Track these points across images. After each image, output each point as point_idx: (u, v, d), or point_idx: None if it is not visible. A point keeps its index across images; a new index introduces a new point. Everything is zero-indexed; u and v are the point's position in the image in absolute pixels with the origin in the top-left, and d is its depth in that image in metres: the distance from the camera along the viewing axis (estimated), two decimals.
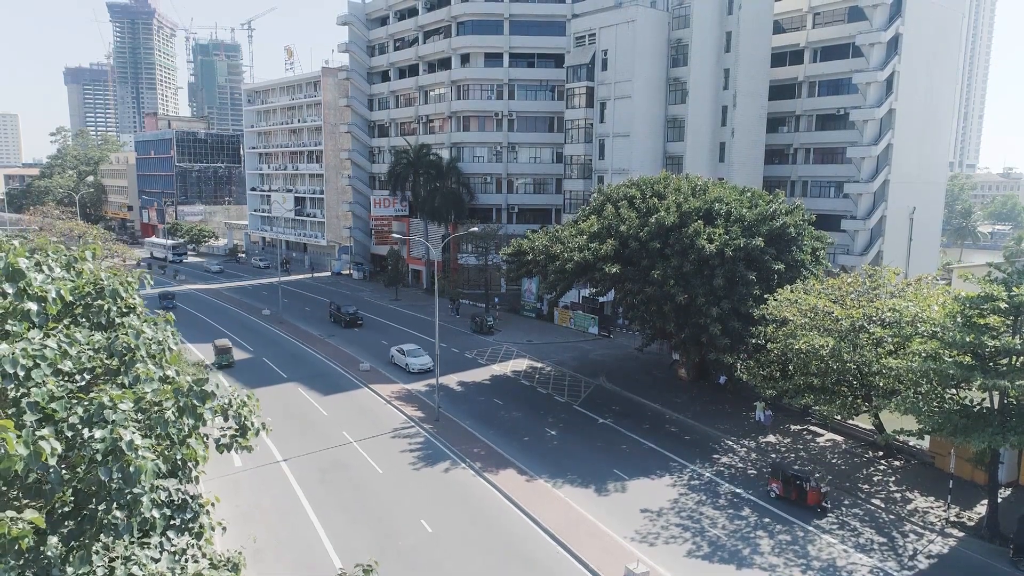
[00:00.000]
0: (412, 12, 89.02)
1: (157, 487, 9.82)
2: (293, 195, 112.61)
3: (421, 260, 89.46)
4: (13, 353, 7.78)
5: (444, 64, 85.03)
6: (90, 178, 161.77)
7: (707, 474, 35.00)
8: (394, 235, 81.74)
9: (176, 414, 8.69)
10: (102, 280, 10.38)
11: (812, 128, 72.47)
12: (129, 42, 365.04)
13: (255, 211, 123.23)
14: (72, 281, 11.19)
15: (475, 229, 65.31)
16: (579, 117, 70.71)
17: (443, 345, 53.12)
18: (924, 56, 65.52)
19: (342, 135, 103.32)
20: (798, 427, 40.87)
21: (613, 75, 67.18)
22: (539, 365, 54.39)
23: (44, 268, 10.88)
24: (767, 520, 30.11)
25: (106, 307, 10.15)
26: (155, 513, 9.33)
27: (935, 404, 28.09)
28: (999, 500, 29.69)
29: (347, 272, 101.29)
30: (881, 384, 33.00)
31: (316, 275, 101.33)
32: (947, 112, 73.14)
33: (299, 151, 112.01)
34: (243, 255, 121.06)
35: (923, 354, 27.54)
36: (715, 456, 37.20)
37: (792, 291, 36.78)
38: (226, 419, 11.30)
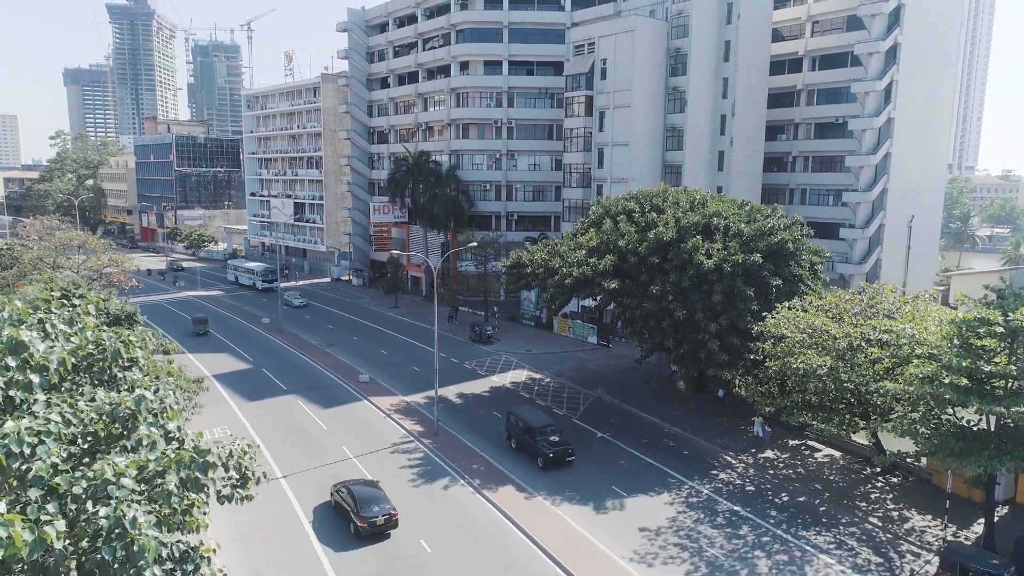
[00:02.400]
0: (411, 19, 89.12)
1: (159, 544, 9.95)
2: (293, 200, 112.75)
3: (420, 267, 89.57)
4: (18, 432, 7.90)
5: (443, 71, 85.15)
6: (89, 182, 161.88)
7: (705, 491, 35.13)
8: (395, 253, 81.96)
9: (179, 486, 8.81)
10: (103, 340, 10.48)
11: (811, 136, 72.59)
12: (128, 43, 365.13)
13: (255, 216, 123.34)
14: (75, 336, 11.34)
15: (474, 244, 65.51)
16: (578, 126, 70.82)
17: (442, 355, 53.29)
18: (923, 65, 65.65)
19: (341, 141, 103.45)
20: (796, 442, 41.01)
21: (612, 84, 67.28)
22: (538, 376, 54.52)
23: (47, 325, 11.02)
24: (765, 540, 30.24)
25: (108, 367, 10.26)
26: (156, 571, 9.46)
27: (932, 425, 28.22)
28: (996, 519, 29.85)
29: (346, 278, 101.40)
30: (879, 403, 33.13)
31: (315, 281, 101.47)
32: (946, 120, 73.29)
33: (299, 156, 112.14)
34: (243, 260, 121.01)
35: (920, 376, 27.66)
36: (713, 472, 37.33)
37: (790, 308, 36.92)
38: (227, 469, 11.42)
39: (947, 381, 26.75)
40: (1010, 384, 25.74)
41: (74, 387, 10.15)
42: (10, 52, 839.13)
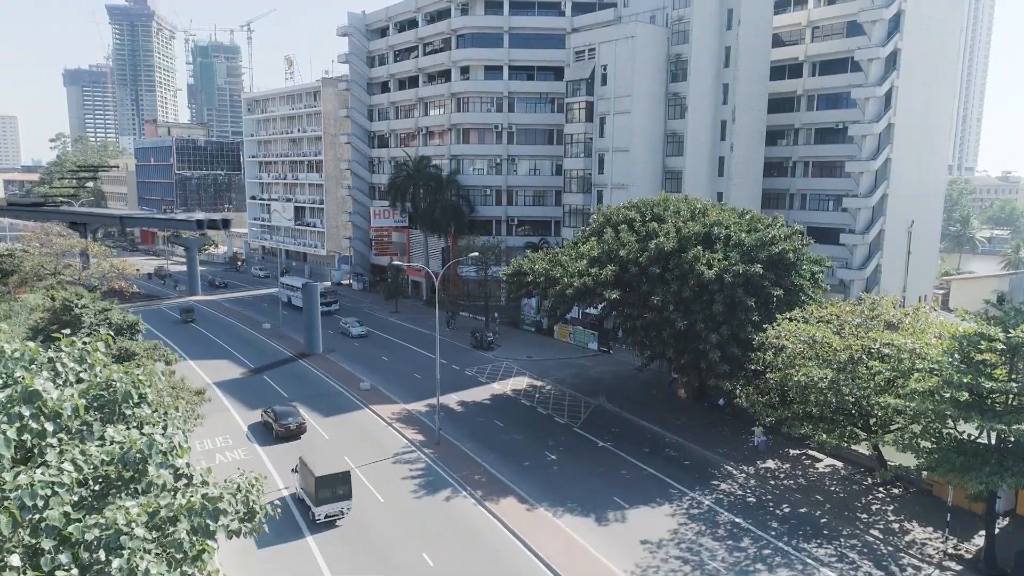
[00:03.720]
0: (412, 24, 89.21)
1: None
2: (293, 204, 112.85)
3: (421, 272, 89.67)
4: (32, 485, 7.98)
5: (444, 76, 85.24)
6: (89, 184, 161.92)
7: (706, 502, 35.22)
8: (395, 260, 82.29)
9: (190, 533, 8.89)
10: (114, 380, 10.57)
11: (811, 141, 72.70)
12: (128, 44, 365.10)
13: (255, 220, 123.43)
14: (85, 372, 11.42)
15: (475, 254, 65.69)
16: (578, 131, 70.94)
17: (443, 361, 53.25)
18: (923, 71, 65.73)
19: (342, 145, 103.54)
20: (797, 451, 41.11)
21: (612, 90, 67.39)
22: (539, 383, 54.61)
23: (57, 364, 11.11)
24: (767, 552, 30.33)
25: (118, 407, 10.35)
26: None
27: (933, 440, 28.32)
28: (996, 531, 29.94)
29: (347, 282, 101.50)
30: (879, 414, 33.23)
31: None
32: (946, 125, 73.42)
33: (299, 160, 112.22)
34: (243, 264, 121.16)
35: (921, 391, 27.76)
36: (714, 483, 37.42)
37: (791, 320, 37.01)
38: (232, 493, 11.50)
39: (948, 395, 26.84)
40: (1011, 400, 25.84)
41: (84, 426, 10.23)
42: (10, 53, 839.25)
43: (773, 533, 32.00)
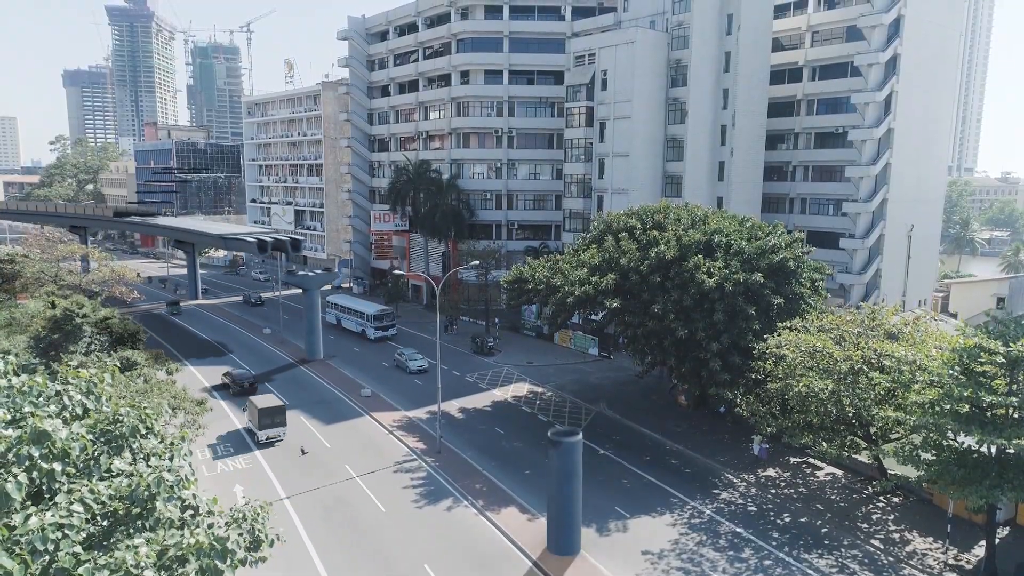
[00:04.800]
0: (412, 28, 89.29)
1: None
2: (293, 208, 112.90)
3: (421, 276, 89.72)
4: (43, 529, 8.05)
5: (444, 80, 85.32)
6: (89, 186, 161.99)
7: (707, 511, 35.30)
8: (395, 267, 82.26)
9: (199, 573, 8.97)
10: (121, 415, 10.64)
11: (811, 146, 72.79)
12: (128, 45, 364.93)
13: (255, 223, 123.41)
14: (92, 402, 11.50)
15: (476, 263, 65.81)
16: (579, 136, 71.00)
17: (444, 367, 53.34)
18: (922, 75, 65.82)
19: (342, 149, 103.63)
20: (797, 459, 41.18)
21: (612, 95, 67.46)
22: (539, 390, 54.68)
23: (64, 398, 11.19)
24: (768, 563, 30.41)
25: (125, 441, 10.43)
26: None
27: (933, 451, 28.39)
28: (996, 541, 30.02)
29: (347, 286, 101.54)
30: (880, 424, 33.32)
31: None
32: (945, 129, 73.51)
33: (299, 164, 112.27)
34: (243, 267, 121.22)
35: (921, 403, 27.85)
36: (715, 491, 37.50)
37: (792, 329, 37.09)
38: (240, 533, 11.58)
39: (948, 408, 26.91)
40: (1011, 413, 25.92)
41: (91, 459, 10.30)
42: (9, 53, 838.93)
43: (774, 543, 32.08)
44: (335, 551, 31.37)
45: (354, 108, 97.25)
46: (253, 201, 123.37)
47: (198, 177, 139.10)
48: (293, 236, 75.64)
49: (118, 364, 36.56)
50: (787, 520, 34.32)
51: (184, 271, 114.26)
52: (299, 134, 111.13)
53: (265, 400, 44.44)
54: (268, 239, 69.99)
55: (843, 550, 31.56)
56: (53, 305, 47.00)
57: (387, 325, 70.07)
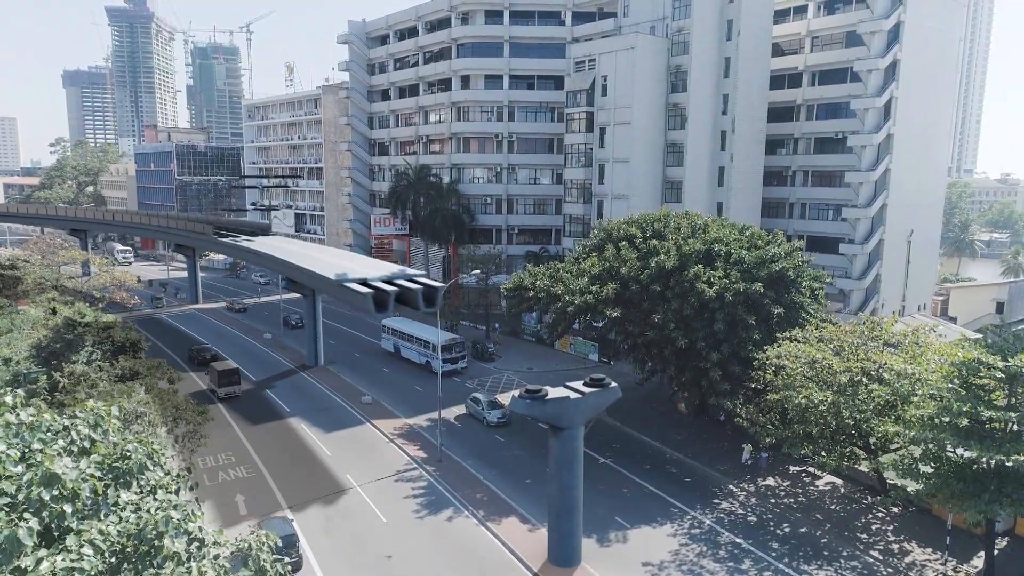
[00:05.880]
0: (412, 32, 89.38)
1: None
2: (293, 211, 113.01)
3: None
4: (54, 571, 8.17)
5: (444, 84, 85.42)
6: (89, 189, 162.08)
7: (707, 521, 35.43)
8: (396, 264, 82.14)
9: None
10: (129, 452, 10.76)
11: (811, 151, 72.93)
12: (128, 45, 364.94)
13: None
14: (99, 433, 11.62)
15: (476, 271, 65.91)
16: (579, 142, 71.08)
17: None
18: (922, 81, 65.97)
19: (342, 153, 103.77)
20: (797, 468, 41.31)
21: (612, 101, 67.55)
22: None
23: (72, 433, 11.31)
24: (767, 574, 30.53)
25: (133, 477, 10.55)
26: None
27: (932, 465, 28.53)
28: (995, 552, 30.15)
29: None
30: (880, 435, 33.44)
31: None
32: (945, 134, 73.71)
33: (299, 167, 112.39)
34: (243, 270, 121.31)
35: (920, 417, 27.98)
36: (715, 501, 37.63)
37: (791, 340, 37.21)
38: (245, 564, 11.69)
39: (947, 421, 27.05)
40: (1009, 427, 26.06)
41: (100, 495, 10.41)
42: (9, 54, 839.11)
43: (774, 554, 32.21)
44: (337, 563, 31.48)
45: (354, 112, 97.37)
46: (253, 204, 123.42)
47: (198, 179, 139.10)
48: (428, 283, 53.10)
49: (119, 373, 36.65)
50: (787, 530, 34.45)
51: (185, 274, 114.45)
52: (299, 137, 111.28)
53: (223, 365, 54.66)
54: (390, 289, 50.26)
55: (843, 561, 31.69)
56: (54, 312, 47.15)
57: (456, 357, 59.90)
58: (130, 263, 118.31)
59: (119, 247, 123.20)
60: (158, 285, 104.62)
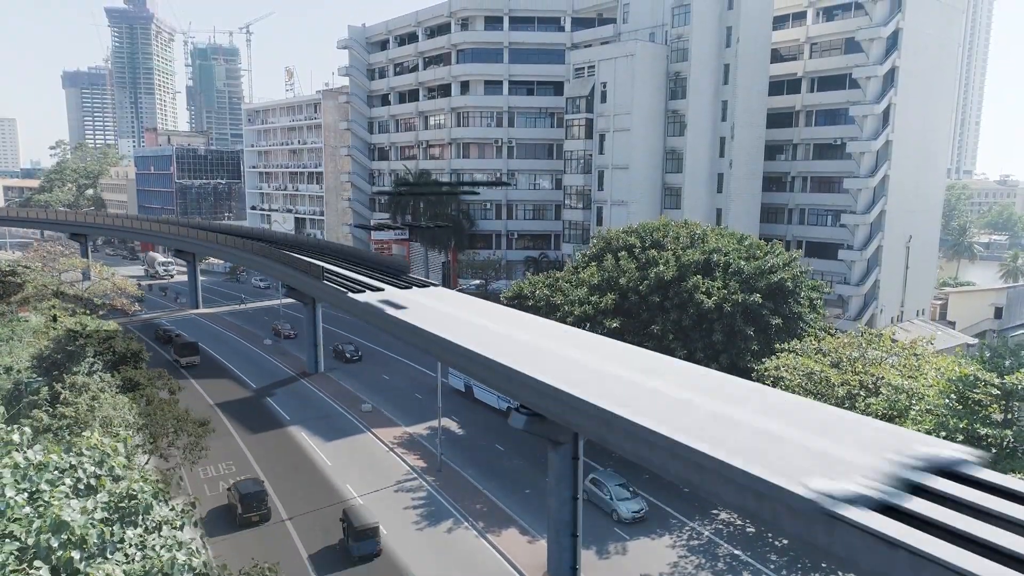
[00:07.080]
0: (412, 38, 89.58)
1: None
2: (293, 215, 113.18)
3: None
4: None
5: (444, 90, 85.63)
6: (89, 191, 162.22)
7: (706, 532, 35.61)
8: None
9: None
10: (135, 492, 10.93)
11: (810, 157, 73.18)
12: (127, 47, 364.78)
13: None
14: (104, 468, 11.79)
15: (477, 281, 66.10)
16: (578, 148, 71.31)
17: (444, 380, 53.52)
18: (921, 87, 66.17)
19: (342, 157, 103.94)
20: None
21: (612, 107, 67.77)
22: None
23: (79, 471, 11.48)
24: None
25: (140, 517, 10.73)
26: None
27: None
28: None
29: None
30: None
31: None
32: (943, 140, 73.93)
33: (299, 171, 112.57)
34: (243, 274, 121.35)
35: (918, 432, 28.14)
36: (713, 512, 37.80)
37: (790, 352, 37.38)
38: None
39: (944, 437, 27.20)
40: (1006, 443, 26.24)
41: (104, 539, 10.59)
42: (9, 54, 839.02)
43: (772, 567, 32.39)
44: (336, 569, 31.63)
45: (354, 117, 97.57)
46: (253, 208, 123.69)
47: (198, 183, 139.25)
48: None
49: (130, 434, 36.73)
50: (785, 542, 34.60)
51: (185, 278, 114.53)
52: (299, 142, 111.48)
53: (182, 340, 66.87)
54: None
55: (840, 573, 31.83)
56: (55, 319, 47.29)
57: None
58: (171, 276, 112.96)
59: (160, 258, 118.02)
60: (158, 290, 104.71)
